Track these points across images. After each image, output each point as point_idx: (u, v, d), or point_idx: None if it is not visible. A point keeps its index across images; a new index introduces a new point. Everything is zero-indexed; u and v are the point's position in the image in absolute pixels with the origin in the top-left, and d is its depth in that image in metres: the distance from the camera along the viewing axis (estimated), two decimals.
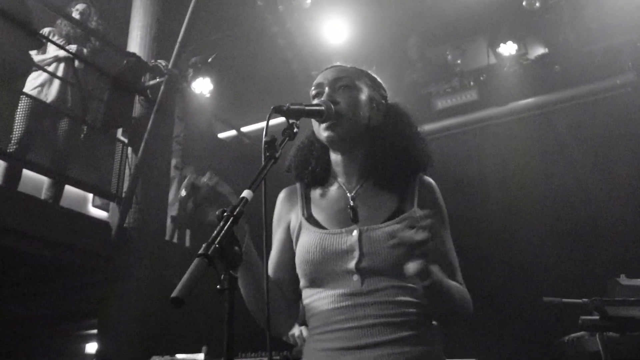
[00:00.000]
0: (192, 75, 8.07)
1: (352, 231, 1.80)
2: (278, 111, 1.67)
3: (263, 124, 1.63)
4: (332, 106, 1.84)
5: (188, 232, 8.11)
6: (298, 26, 8.47)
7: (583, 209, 6.56)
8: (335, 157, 1.98)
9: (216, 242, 1.25)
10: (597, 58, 7.33)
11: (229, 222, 1.30)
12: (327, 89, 1.92)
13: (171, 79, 6.90)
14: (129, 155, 6.73)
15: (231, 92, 9.05)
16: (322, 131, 1.89)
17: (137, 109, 6.97)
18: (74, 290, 7.09)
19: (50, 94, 6.43)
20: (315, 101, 1.90)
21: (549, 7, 7.61)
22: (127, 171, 6.66)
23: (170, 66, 6.90)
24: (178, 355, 4.46)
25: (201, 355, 4.31)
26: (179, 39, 6.93)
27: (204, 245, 1.23)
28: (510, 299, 6.25)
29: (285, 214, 1.99)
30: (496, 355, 3.85)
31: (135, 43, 7.28)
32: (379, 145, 1.92)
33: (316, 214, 1.92)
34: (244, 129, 9.10)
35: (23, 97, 6.11)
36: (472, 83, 8.07)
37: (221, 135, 9.29)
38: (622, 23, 7.11)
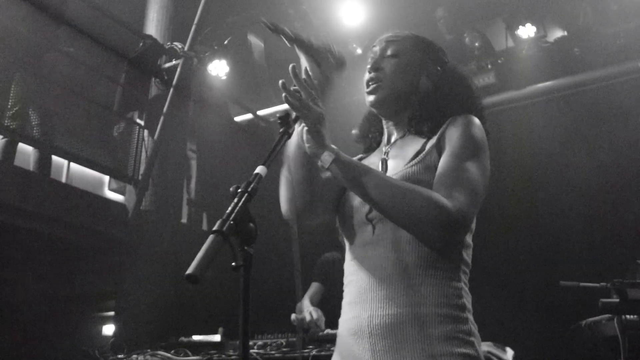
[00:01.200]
0: (208, 58, 8.03)
1: None
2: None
3: (279, 108, 1.62)
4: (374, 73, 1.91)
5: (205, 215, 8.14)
6: (314, 8, 8.40)
7: (601, 193, 6.48)
8: (383, 122, 2.01)
9: (231, 219, 1.23)
10: (617, 40, 7.20)
11: (243, 198, 1.28)
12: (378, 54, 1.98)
13: (187, 62, 6.89)
14: (146, 138, 6.75)
15: (247, 75, 9.01)
16: (365, 96, 1.94)
17: (154, 91, 6.97)
18: (91, 272, 7.14)
19: None
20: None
21: None
22: (143, 154, 6.67)
23: (186, 48, 6.90)
24: (194, 337, 4.48)
25: (217, 337, 4.32)
26: (195, 21, 6.92)
27: (218, 221, 1.22)
28: (527, 283, 6.21)
29: None
30: (512, 339, 3.83)
31: (152, 25, 7.27)
32: (423, 107, 1.91)
33: None
34: (260, 113, 9.07)
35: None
36: (489, 66, 7.97)
37: (237, 119, 9.26)
38: None
